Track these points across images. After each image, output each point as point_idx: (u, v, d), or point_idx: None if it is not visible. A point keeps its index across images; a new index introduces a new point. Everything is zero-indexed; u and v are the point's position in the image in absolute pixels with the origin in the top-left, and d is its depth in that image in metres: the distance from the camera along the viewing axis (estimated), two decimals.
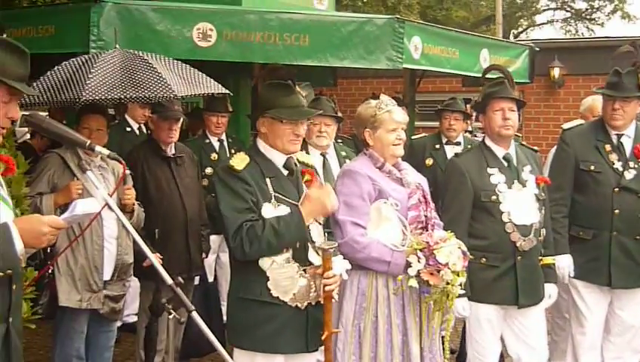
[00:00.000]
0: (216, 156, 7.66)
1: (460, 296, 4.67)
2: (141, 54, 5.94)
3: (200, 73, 6.06)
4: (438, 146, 8.27)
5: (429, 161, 8.18)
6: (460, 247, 4.52)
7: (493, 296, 5.32)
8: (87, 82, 5.46)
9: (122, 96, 5.57)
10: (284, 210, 4.29)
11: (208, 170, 7.35)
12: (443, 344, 4.83)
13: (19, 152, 5.37)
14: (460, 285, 4.50)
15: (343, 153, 6.64)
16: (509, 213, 5.28)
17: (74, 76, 5.63)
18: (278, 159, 4.43)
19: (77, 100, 5.45)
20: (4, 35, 3.29)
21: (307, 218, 4.28)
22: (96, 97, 5.43)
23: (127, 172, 5.67)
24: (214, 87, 6.06)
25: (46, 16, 7.48)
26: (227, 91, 6.29)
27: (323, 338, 4.31)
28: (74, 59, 5.86)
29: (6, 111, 3.14)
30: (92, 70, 5.58)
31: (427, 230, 4.77)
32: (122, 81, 5.58)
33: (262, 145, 4.45)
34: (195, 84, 5.93)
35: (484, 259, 5.24)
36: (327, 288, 4.25)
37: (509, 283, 5.30)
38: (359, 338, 4.74)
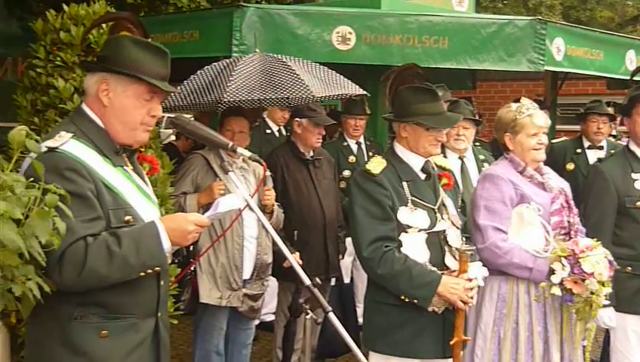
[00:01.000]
0: (354, 159, 7.67)
1: (604, 306, 4.53)
2: (279, 57, 6.03)
3: (337, 75, 6.10)
4: (579, 151, 8.07)
5: (570, 166, 7.98)
6: (606, 257, 4.38)
7: None
8: (228, 85, 5.58)
9: (262, 98, 5.67)
10: (420, 215, 4.27)
11: (346, 173, 7.37)
12: (584, 354, 4.70)
13: (164, 153, 5.54)
14: (605, 296, 4.36)
15: (482, 156, 6.56)
16: None
17: (216, 79, 5.76)
18: (416, 163, 4.40)
19: (219, 102, 5.58)
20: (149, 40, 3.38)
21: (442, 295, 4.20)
22: (237, 99, 5.54)
23: (268, 173, 5.77)
24: (352, 89, 6.09)
25: (191, 22, 7.70)
26: (364, 92, 6.31)
27: (451, 343, 4.26)
28: (216, 64, 6.01)
29: (149, 110, 3.22)
30: (233, 73, 5.70)
31: (570, 236, 4.66)
32: (262, 83, 5.68)
33: (399, 148, 4.44)
34: (332, 86, 5.97)
35: (629, 268, 5.08)
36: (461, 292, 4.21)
37: None
38: (498, 345, 4.66)
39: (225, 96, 5.52)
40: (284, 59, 5.98)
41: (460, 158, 6.31)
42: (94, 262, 2.90)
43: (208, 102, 5.69)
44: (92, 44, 5.38)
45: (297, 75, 5.72)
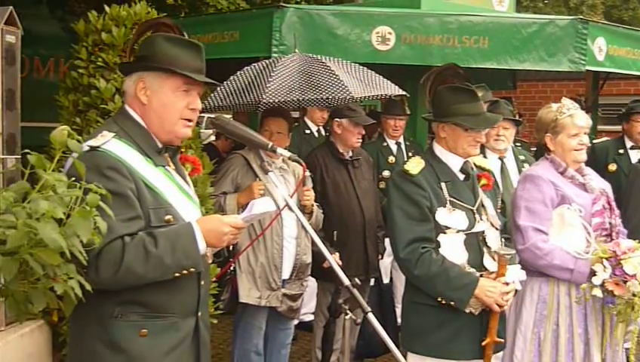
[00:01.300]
0: (393, 159, 7.64)
1: None
2: (318, 57, 6.02)
3: (376, 75, 6.08)
4: (621, 151, 7.98)
5: (612, 167, 7.90)
6: None
7: None
8: (268, 85, 5.59)
9: (301, 99, 5.67)
10: (458, 215, 4.25)
11: (385, 173, 7.34)
12: (627, 357, 4.64)
13: (204, 153, 5.56)
14: None
15: (522, 157, 6.50)
16: None
17: (255, 80, 5.77)
18: (455, 163, 4.38)
19: (258, 103, 5.59)
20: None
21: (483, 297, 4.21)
22: (276, 100, 5.56)
23: (307, 173, 5.77)
24: (391, 89, 6.07)
25: (231, 23, 7.73)
26: (403, 93, 6.29)
27: (483, 344, 4.25)
28: (255, 64, 6.02)
29: (187, 103, 3.22)
30: (272, 74, 5.70)
31: (611, 238, 4.61)
32: (301, 83, 5.68)
33: (438, 149, 4.42)
34: (372, 86, 5.95)
35: None
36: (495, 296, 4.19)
37: None
38: (539, 347, 4.63)
39: (264, 97, 5.54)
40: (323, 60, 5.98)
41: (500, 159, 6.26)
42: (131, 262, 2.92)
43: (248, 103, 5.71)
44: (134, 45, 5.42)
45: (336, 75, 5.72)
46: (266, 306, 5.67)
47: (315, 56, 6.08)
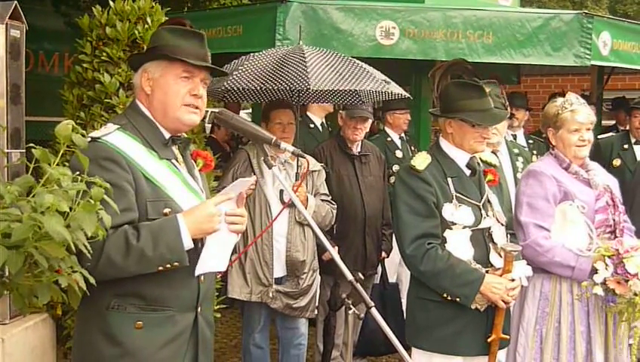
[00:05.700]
0: (400, 153, 7.59)
1: None
2: (305, 48, 5.81)
3: (367, 71, 5.75)
4: (626, 146, 7.96)
5: (617, 162, 7.89)
6: None
7: None
8: (234, 73, 5.48)
9: (260, 87, 5.51)
10: (464, 211, 4.25)
11: (395, 168, 7.29)
12: (630, 354, 4.62)
13: (208, 148, 5.55)
14: None
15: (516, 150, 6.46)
16: None
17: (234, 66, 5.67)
18: (461, 158, 4.37)
19: (217, 88, 5.47)
20: None
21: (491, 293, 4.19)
22: (234, 86, 5.45)
23: (320, 166, 5.77)
24: (373, 85, 5.68)
25: (234, 17, 7.73)
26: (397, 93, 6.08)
27: (488, 340, 4.25)
28: (256, 53, 5.89)
29: (189, 89, 3.23)
30: (246, 62, 5.59)
31: (615, 235, 4.59)
32: (267, 72, 5.49)
33: (445, 144, 4.40)
34: (349, 80, 5.59)
35: None
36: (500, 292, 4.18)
37: None
38: (540, 344, 4.62)
39: (224, 84, 5.42)
40: (307, 51, 5.74)
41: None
42: (111, 253, 2.92)
43: (211, 87, 5.54)
44: (137, 40, 5.44)
45: (305, 66, 5.48)
46: (258, 301, 5.64)
47: (303, 46, 5.88)
